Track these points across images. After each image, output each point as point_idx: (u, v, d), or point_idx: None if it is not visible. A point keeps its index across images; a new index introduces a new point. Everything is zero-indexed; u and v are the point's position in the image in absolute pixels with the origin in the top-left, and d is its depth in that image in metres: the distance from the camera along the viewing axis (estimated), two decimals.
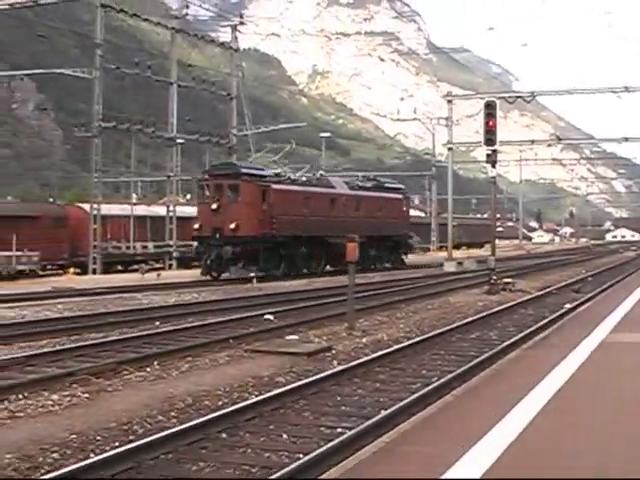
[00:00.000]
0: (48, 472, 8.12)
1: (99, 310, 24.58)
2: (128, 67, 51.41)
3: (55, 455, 8.95)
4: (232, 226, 39.05)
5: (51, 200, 73.52)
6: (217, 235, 39.59)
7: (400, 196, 54.90)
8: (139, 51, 68.37)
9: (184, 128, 55.13)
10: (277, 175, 44.90)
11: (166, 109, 53.71)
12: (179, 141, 53.82)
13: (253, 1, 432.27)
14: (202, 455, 9.00)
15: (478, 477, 6.34)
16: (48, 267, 46.67)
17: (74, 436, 9.71)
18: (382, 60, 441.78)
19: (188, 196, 79.54)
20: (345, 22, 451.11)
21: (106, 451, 8.93)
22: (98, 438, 9.67)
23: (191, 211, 48.70)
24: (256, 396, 11.79)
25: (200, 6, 62.55)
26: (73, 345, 16.91)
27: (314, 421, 10.60)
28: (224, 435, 9.76)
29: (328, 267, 46.37)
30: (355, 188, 50.55)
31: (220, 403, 11.62)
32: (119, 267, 52.42)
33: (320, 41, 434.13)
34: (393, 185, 56.69)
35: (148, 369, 14.38)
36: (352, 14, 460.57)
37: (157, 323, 21.33)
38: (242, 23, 62.83)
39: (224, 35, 67.04)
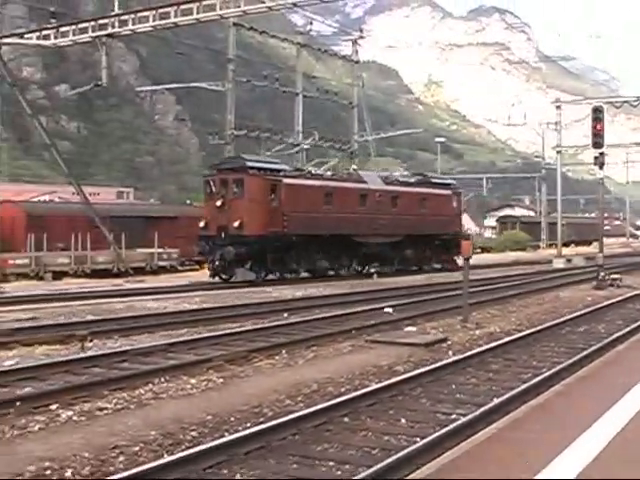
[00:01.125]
0: (188, 448, 8.30)
1: (232, 302, 24.93)
2: (257, 80, 51.97)
3: (194, 433, 9.14)
4: (236, 224, 33.84)
5: (188, 202, 74.86)
6: (222, 234, 34.37)
7: (449, 192, 47.51)
8: (267, 65, 68.97)
9: (309, 135, 55.49)
10: (297, 170, 40.14)
11: (292, 117, 54.16)
12: (305, 147, 54.20)
13: (372, 16, 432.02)
14: (326, 437, 9.04)
15: (575, 477, 6.17)
16: (186, 263, 47.46)
17: (210, 417, 9.89)
18: (493, 69, 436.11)
19: None
20: (458, 34, 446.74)
21: (239, 431, 9.07)
22: (232, 419, 9.84)
23: None
24: (376, 383, 11.79)
25: (323, 22, 62.92)
26: (209, 334, 17.17)
27: (430, 407, 10.56)
28: (346, 419, 9.78)
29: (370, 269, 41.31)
30: (394, 183, 44.29)
31: (343, 389, 11.65)
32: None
33: (435, 52, 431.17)
34: (441, 180, 50.09)
35: (277, 357, 14.53)
36: (465, 26, 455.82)
37: (285, 315, 21.52)
38: (362, 37, 62.87)
39: (345, 48, 67.15)
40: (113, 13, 32.83)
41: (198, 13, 30.73)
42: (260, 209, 34.67)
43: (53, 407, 10.39)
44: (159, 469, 7.35)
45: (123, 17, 32.35)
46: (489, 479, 6.11)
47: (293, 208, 35.59)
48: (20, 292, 30.62)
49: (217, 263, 34.05)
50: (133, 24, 32.01)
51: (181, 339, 16.46)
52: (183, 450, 8.28)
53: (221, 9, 30.60)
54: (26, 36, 35.63)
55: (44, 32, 34.20)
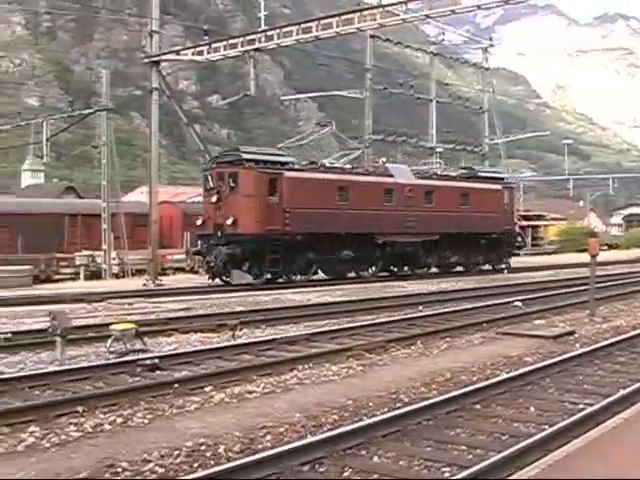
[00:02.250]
0: (330, 430, 8.37)
1: (371, 296, 24.99)
2: (393, 87, 51.92)
3: (335, 417, 9.19)
4: (229, 222, 29.37)
5: None
6: (219, 233, 29.90)
7: (498, 187, 40.76)
8: (402, 73, 68.73)
9: (442, 138, 55.15)
10: (312, 163, 34.65)
11: (427, 122, 53.95)
12: (438, 150, 53.88)
13: (501, 26, 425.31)
14: (459, 423, 8.96)
15: None
16: None
17: (350, 402, 9.93)
18: (618, 73, 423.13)
19: None
20: (584, 40, 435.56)
21: (377, 415, 9.07)
22: (370, 404, 9.84)
23: None
24: (506, 373, 11.62)
25: (454, 32, 62.22)
26: (348, 325, 17.24)
27: (558, 397, 10.32)
28: (478, 406, 9.67)
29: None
30: (432, 178, 38.82)
31: (474, 378, 11.52)
32: None
33: (562, 58, 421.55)
34: (490, 174, 42.71)
35: (412, 347, 14.47)
36: (590, 33, 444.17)
37: (420, 308, 21.43)
38: (492, 45, 62.09)
39: (476, 57, 66.43)
40: (260, 29, 33.35)
41: (338, 27, 30.89)
42: (256, 205, 29.94)
43: (207, 389, 10.65)
44: (303, 448, 7.47)
45: (269, 32, 32.80)
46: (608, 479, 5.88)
47: (297, 204, 30.75)
48: (177, 285, 31.56)
49: (212, 264, 30.07)
50: (278, 38, 32.41)
51: (323, 329, 16.57)
52: (325, 432, 8.34)
53: (359, 22, 30.67)
54: (182, 53, 36.59)
55: (198, 48, 35.03)
